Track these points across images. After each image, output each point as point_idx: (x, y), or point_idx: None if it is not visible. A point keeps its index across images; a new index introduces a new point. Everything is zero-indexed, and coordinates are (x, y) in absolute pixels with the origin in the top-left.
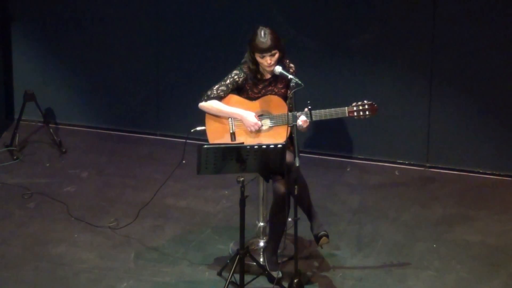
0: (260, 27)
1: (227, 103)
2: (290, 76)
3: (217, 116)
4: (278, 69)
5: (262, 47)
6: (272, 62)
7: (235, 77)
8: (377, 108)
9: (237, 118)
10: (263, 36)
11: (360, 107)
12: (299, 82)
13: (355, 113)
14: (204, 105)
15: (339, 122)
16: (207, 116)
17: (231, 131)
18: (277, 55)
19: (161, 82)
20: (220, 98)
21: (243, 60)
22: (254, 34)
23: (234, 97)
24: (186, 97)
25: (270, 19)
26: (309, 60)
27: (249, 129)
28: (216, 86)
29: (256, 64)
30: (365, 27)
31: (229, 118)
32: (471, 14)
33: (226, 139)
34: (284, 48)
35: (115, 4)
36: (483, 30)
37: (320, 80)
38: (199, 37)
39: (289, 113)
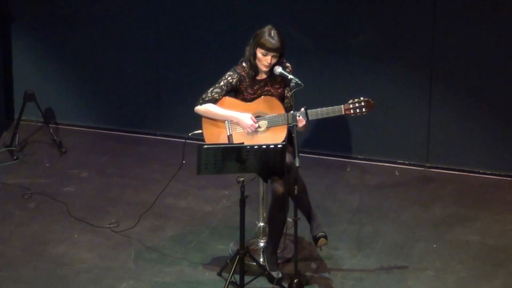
0: (271, 26)
1: (223, 106)
2: (290, 76)
3: (213, 119)
4: (278, 69)
5: (270, 46)
6: (271, 63)
7: (229, 78)
8: (374, 104)
9: (233, 121)
10: (273, 35)
11: (357, 104)
12: (299, 82)
13: (352, 110)
14: (199, 108)
15: (339, 122)
16: (203, 119)
17: (228, 134)
18: (277, 58)
19: (161, 82)
20: (215, 100)
21: (240, 60)
22: (263, 30)
23: (229, 99)
24: (186, 97)
25: (270, 19)
26: (309, 59)
27: (246, 131)
28: (211, 89)
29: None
30: (365, 27)
31: (225, 121)
32: (471, 14)
33: (224, 142)
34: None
35: (115, 4)
36: (483, 30)
37: (319, 80)
38: (199, 38)
39: (289, 113)
